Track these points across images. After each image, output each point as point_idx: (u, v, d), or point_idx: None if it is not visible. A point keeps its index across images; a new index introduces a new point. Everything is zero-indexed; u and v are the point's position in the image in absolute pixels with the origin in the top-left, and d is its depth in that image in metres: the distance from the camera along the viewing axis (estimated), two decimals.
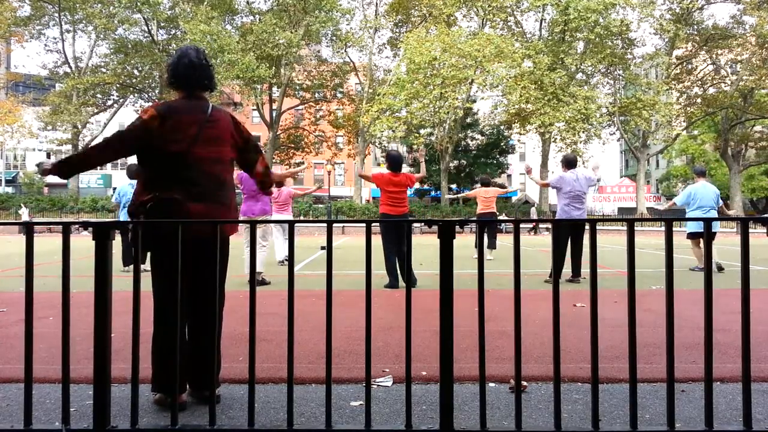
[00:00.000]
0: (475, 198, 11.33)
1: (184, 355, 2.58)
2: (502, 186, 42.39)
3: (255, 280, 2.34)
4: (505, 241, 21.74)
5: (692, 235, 9.11)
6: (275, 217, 9.87)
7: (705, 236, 2.36)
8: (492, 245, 11.28)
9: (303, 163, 43.31)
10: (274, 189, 10.61)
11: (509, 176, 55.09)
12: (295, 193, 10.33)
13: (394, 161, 7.22)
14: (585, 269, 9.22)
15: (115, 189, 44.08)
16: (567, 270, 7.74)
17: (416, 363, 3.19)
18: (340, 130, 40.03)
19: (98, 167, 2.70)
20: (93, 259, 2.25)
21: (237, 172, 7.08)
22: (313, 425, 2.42)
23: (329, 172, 40.14)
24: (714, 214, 8.86)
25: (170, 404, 2.28)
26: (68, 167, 2.56)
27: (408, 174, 7.33)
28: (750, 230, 2.31)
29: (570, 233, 7.72)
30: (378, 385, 2.97)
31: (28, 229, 2.34)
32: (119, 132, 2.59)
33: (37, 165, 2.61)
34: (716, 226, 8.91)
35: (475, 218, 12.07)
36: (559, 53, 31.79)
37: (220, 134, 2.67)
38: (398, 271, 7.03)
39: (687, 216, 9.24)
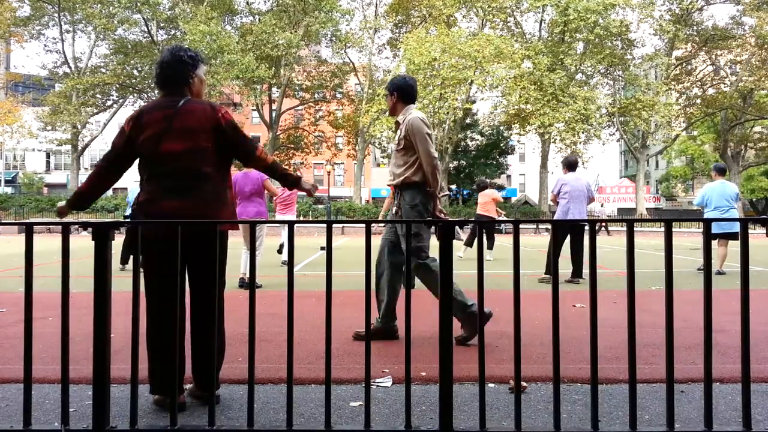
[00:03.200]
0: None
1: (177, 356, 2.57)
2: (500, 188, 42.48)
3: (255, 281, 2.34)
4: (505, 241, 21.74)
5: (713, 236, 8.77)
6: (279, 217, 9.87)
7: (704, 237, 2.36)
8: (489, 246, 11.31)
9: (302, 163, 43.32)
10: (279, 189, 10.55)
11: (509, 177, 55.09)
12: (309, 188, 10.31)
13: None
14: (584, 270, 9.23)
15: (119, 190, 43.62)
16: (564, 271, 7.73)
17: (416, 363, 3.19)
18: (340, 130, 40.04)
19: (111, 186, 2.71)
20: (92, 260, 2.25)
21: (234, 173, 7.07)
22: (313, 425, 2.42)
23: (329, 173, 40.14)
24: (735, 213, 8.65)
25: (170, 404, 2.27)
26: (82, 199, 2.68)
27: None
28: (749, 231, 2.31)
29: (569, 234, 7.70)
30: (377, 386, 2.97)
31: (27, 229, 2.34)
32: (109, 151, 2.67)
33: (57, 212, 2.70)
34: (735, 226, 8.43)
35: (474, 219, 12.08)
36: (558, 54, 31.80)
37: (193, 125, 2.56)
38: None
39: (705, 217, 9.06)
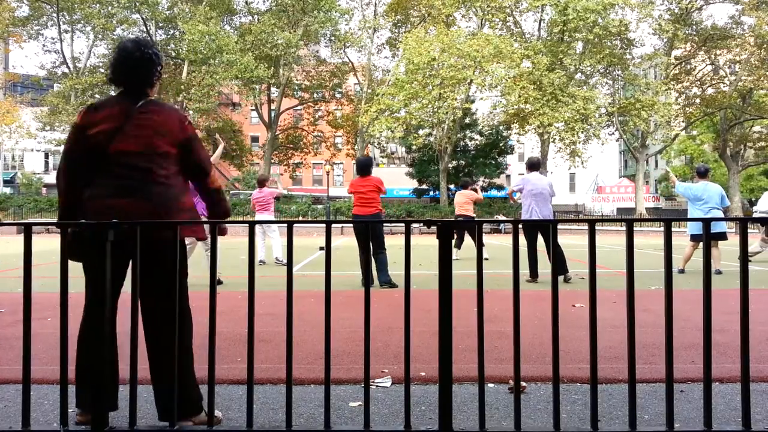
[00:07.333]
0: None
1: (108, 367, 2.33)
2: (500, 187, 42.46)
3: (254, 281, 2.33)
4: (504, 241, 21.76)
5: (699, 237, 8.85)
6: (257, 217, 9.95)
7: (705, 236, 2.35)
8: (476, 244, 11.39)
9: (302, 163, 43.27)
10: (256, 191, 10.62)
11: (508, 177, 55.09)
12: (279, 193, 10.49)
13: (360, 165, 7.62)
14: (584, 270, 9.22)
15: None
16: (542, 271, 7.73)
17: (415, 363, 3.19)
18: (339, 130, 40.04)
19: (77, 190, 2.44)
20: None
21: None
22: (312, 426, 2.42)
23: (328, 173, 40.16)
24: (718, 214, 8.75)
25: (163, 405, 2.27)
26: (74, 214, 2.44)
27: (378, 178, 7.55)
28: (749, 230, 2.31)
29: (537, 233, 7.79)
30: (377, 386, 2.97)
31: (26, 229, 2.34)
32: (64, 150, 2.46)
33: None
34: (717, 227, 8.67)
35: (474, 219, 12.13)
36: (557, 53, 31.79)
37: (153, 126, 2.39)
38: (371, 270, 7.22)
39: (690, 215, 9.12)
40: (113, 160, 2.37)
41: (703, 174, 8.95)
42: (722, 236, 8.80)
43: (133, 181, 2.37)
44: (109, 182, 2.38)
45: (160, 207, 2.38)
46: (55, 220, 2.52)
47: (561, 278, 7.42)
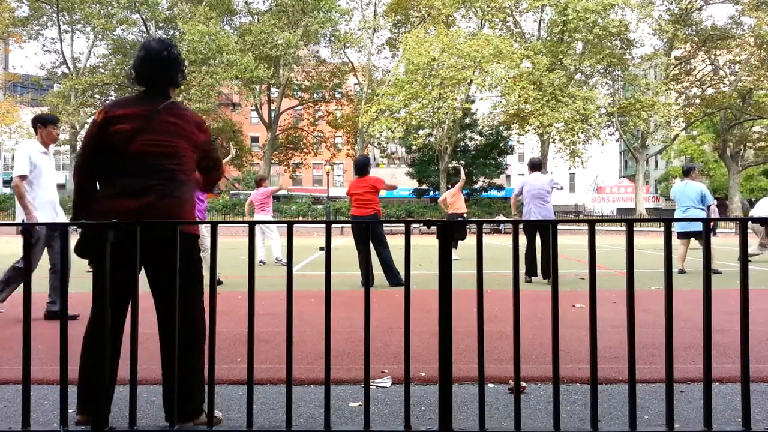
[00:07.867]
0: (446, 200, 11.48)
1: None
2: (500, 187, 42.47)
3: (254, 281, 2.33)
4: (504, 241, 21.75)
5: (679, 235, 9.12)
6: (256, 218, 10.03)
7: (704, 236, 2.35)
8: (454, 245, 11.42)
9: (302, 163, 43.29)
10: (254, 192, 10.69)
11: (508, 177, 55.09)
12: (277, 189, 10.61)
13: (357, 166, 7.64)
14: (584, 270, 9.21)
15: None
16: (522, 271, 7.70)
17: (415, 364, 3.18)
18: (339, 130, 40.04)
19: (92, 187, 2.44)
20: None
21: None
22: (312, 426, 2.42)
23: (328, 173, 40.18)
24: (695, 213, 8.76)
25: (167, 404, 2.27)
26: (84, 213, 2.42)
27: (375, 177, 7.55)
28: (749, 231, 2.31)
29: (536, 232, 7.81)
30: (377, 386, 2.96)
31: (26, 229, 2.34)
32: (82, 145, 2.44)
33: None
34: (697, 226, 8.76)
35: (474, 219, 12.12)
36: (557, 54, 31.79)
37: (174, 129, 2.39)
38: (371, 271, 7.31)
39: (675, 215, 9.24)
40: (132, 160, 2.34)
41: (685, 173, 9.10)
42: (699, 234, 8.87)
43: (152, 181, 2.34)
44: (125, 182, 2.34)
45: (177, 207, 2.38)
46: (54, 221, 2.51)
47: (546, 281, 7.40)
